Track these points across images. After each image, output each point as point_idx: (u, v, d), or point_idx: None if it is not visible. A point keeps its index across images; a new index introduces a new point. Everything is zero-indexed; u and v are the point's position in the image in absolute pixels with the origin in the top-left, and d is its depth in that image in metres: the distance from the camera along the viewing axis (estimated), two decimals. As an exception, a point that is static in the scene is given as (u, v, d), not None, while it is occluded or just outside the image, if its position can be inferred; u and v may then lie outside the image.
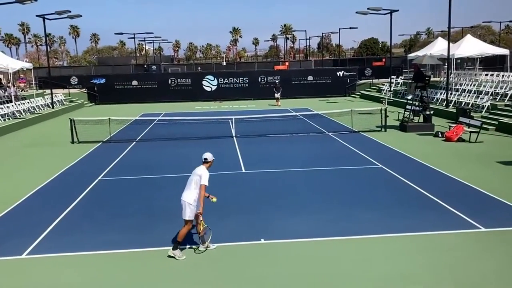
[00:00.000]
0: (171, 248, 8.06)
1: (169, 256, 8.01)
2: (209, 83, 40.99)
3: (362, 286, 6.91)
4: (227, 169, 14.43)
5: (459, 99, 26.13)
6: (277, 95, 34.48)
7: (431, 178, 12.91)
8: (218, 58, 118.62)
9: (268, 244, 8.56)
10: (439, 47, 33.64)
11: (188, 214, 7.97)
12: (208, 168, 8.22)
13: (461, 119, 20.67)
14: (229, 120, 22.83)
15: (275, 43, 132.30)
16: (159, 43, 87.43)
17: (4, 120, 25.60)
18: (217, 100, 39.75)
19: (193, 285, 7.12)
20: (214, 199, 8.36)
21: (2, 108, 26.41)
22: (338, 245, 8.47)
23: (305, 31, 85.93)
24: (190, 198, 7.97)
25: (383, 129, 21.22)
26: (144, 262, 7.95)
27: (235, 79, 41.27)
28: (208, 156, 8.32)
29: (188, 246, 8.42)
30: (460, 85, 28.84)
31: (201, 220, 8.11)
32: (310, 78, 41.58)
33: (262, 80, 41.01)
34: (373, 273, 7.29)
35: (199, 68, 53.94)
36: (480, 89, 26.24)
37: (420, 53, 35.99)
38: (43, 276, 7.51)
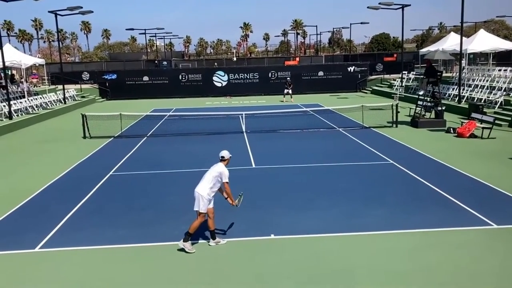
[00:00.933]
0: (181, 240, 8.12)
1: (179, 250, 8.08)
2: (220, 79, 41.06)
3: (373, 281, 6.90)
4: (237, 164, 14.42)
5: (471, 94, 25.87)
6: (289, 91, 34.29)
7: (443, 175, 12.82)
8: (229, 53, 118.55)
9: (279, 240, 8.58)
10: (451, 42, 33.26)
11: (201, 206, 8.04)
12: (226, 165, 8.38)
13: (474, 115, 20.46)
14: (240, 116, 22.85)
15: (286, 39, 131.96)
16: (170, 38, 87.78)
17: (17, 115, 25.89)
18: (227, 96, 39.81)
19: (202, 280, 7.16)
20: (235, 202, 8.54)
21: (15, 104, 26.71)
22: (349, 240, 8.46)
23: (316, 26, 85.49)
24: (204, 191, 8.06)
25: (394, 125, 21.09)
26: (154, 257, 8.01)
27: (245, 74, 41.28)
28: (225, 154, 8.49)
29: (198, 241, 8.46)
30: (473, 80, 28.54)
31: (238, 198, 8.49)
32: (320, 73, 41.45)
33: (273, 76, 40.97)
34: (384, 269, 7.27)
35: (215, 63, 53.81)
36: (493, 85, 25.94)
37: (432, 48, 35.64)
38: (55, 270, 7.61)
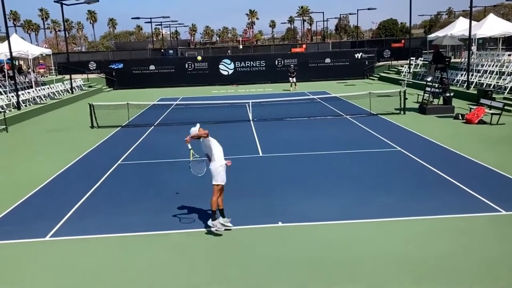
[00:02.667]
0: (210, 220, 8.25)
1: (208, 231, 8.28)
2: (226, 67, 40.94)
3: (382, 268, 6.91)
4: (244, 153, 14.47)
5: (480, 80, 25.60)
6: (293, 79, 34.05)
7: (451, 161, 12.75)
8: (235, 41, 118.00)
9: (286, 227, 8.61)
10: (460, 27, 32.84)
11: (214, 178, 8.15)
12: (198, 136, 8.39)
13: (482, 100, 20.27)
14: (246, 104, 22.81)
15: (292, 26, 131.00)
16: (176, 27, 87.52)
17: (25, 105, 26.04)
18: (234, 84, 39.72)
19: (210, 267, 7.21)
20: (229, 164, 8.44)
21: (23, 94, 26.84)
22: (357, 228, 8.46)
23: (323, 12, 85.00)
24: (210, 164, 8.22)
25: (402, 112, 20.97)
26: (163, 245, 8.08)
27: (252, 62, 41.11)
28: (194, 129, 8.45)
29: (205, 230, 8.51)
30: (482, 66, 28.21)
31: (190, 149, 8.45)
32: (327, 60, 41.18)
33: (279, 63, 40.76)
34: (394, 256, 7.28)
35: (229, 51, 53.41)
36: (503, 70, 25.60)
37: (440, 33, 35.21)
38: (66, 258, 7.69)
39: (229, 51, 53.32)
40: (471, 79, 25.60)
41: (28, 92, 27.85)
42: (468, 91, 24.52)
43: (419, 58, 38.68)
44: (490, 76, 25.41)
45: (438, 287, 6.30)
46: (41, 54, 36.80)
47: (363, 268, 6.97)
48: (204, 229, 8.50)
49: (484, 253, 7.29)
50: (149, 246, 8.06)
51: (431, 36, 37.49)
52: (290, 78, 33.89)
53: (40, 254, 7.90)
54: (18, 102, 24.89)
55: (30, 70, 34.75)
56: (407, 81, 31.98)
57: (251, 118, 20.78)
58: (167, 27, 78.30)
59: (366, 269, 6.94)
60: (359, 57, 41.23)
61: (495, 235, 7.93)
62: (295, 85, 33.80)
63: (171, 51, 54.19)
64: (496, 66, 26.79)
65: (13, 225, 9.20)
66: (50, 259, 7.69)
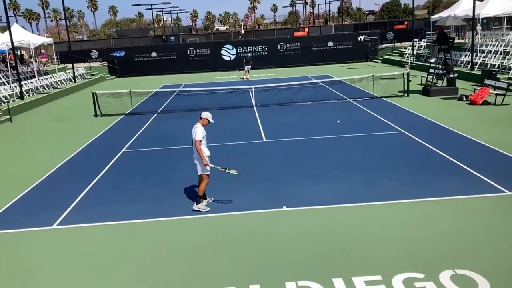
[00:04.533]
0: (194, 203, 8.76)
1: (194, 210, 8.69)
2: (228, 53, 40.74)
3: (388, 250, 6.95)
4: (248, 138, 14.48)
5: (484, 60, 25.37)
6: (247, 68, 32.84)
7: (455, 143, 12.72)
8: (236, 26, 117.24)
9: (291, 211, 8.65)
10: (464, 7, 32.37)
11: (200, 169, 8.59)
12: (203, 124, 8.61)
13: (487, 81, 20.13)
14: (249, 90, 22.75)
15: (294, 9, 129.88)
16: (177, 13, 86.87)
17: (29, 95, 26.07)
18: (236, 70, 39.57)
19: (214, 253, 7.27)
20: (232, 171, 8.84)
21: (26, 84, 26.87)
22: (362, 211, 8.49)
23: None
24: (195, 155, 8.54)
25: (405, 94, 20.87)
26: (168, 231, 8.14)
27: (254, 47, 40.87)
28: (204, 113, 8.72)
29: (209, 214, 8.58)
30: (486, 46, 27.91)
31: (218, 168, 8.68)
32: (330, 44, 40.90)
33: (282, 48, 40.51)
34: (399, 238, 7.31)
35: (240, 36, 53.01)
36: (507, 50, 25.35)
37: (444, 14, 34.78)
38: (73, 246, 7.77)
39: (240, 36, 52.74)
40: (475, 59, 25.37)
41: (31, 82, 27.87)
42: (472, 72, 24.32)
43: (423, 40, 38.29)
44: (495, 57, 25.17)
45: (444, 268, 6.33)
46: (43, 44, 36.71)
47: (369, 250, 7.01)
48: (209, 215, 8.56)
49: (489, 234, 7.31)
50: (156, 233, 8.13)
51: (435, 17, 37.05)
52: (246, 67, 32.91)
53: (47, 243, 7.98)
54: (21, 92, 24.93)
55: (32, 59, 34.71)
56: (410, 63, 31.73)
57: (254, 104, 20.74)
58: (168, 13, 77.74)
59: (371, 251, 6.97)
60: (362, 40, 40.90)
61: (499, 216, 7.94)
62: (248, 72, 32.85)
63: (172, 38, 53.89)
64: (501, 46, 26.50)
65: (20, 214, 9.29)
66: (57, 247, 7.77)
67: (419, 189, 9.33)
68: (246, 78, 32.44)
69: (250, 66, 33.09)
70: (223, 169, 8.77)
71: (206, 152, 8.55)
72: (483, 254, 6.70)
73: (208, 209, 8.69)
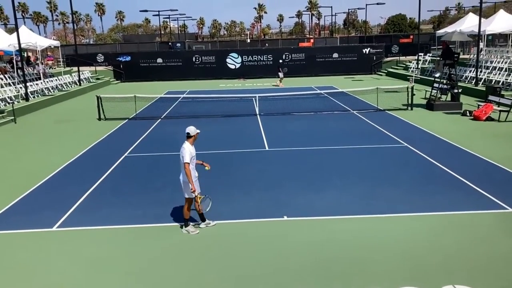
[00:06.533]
0: (183, 226, 8.26)
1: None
2: (233, 61, 40.88)
3: (389, 264, 6.92)
4: (250, 147, 14.49)
5: (489, 77, 25.40)
6: (281, 74, 33.48)
7: (458, 158, 12.70)
8: (242, 35, 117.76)
9: (291, 221, 8.63)
10: (469, 23, 32.53)
11: (185, 192, 8.05)
12: (192, 143, 8.02)
13: (491, 97, 20.13)
14: (253, 98, 22.80)
15: (300, 20, 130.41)
16: (184, 20, 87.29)
17: (34, 97, 26.18)
18: (241, 78, 39.68)
19: (215, 259, 7.26)
20: (207, 167, 8.31)
21: (31, 85, 27.00)
22: (363, 223, 8.47)
23: (331, 7, 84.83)
24: (182, 177, 8.03)
25: (409, 108, 20.88)
26: (170, 236, 8.13)
27: (259, 56, 41.02)
28: (190, 130, 8.01)
29: (210, 222, 8.55)
30: (491, 62, 27.97)
31: (196, 196, 7.96)
32: (335, 55, 41.01)
33: (287, 58, 40.64)
34: (400, 251, 7.28)
35: (263, 43, 53.11)
36: (512, 67, 25.41)
37: (449, 29, 34.94)
38: (72, 249, 7.76)
39: (264, 42, 52.91)
40: (479, 75, 25.41)
41: (37, 84, 28.01)
42: (476, 87, 24.35)
43: (428, 54, 38.40)
44: (499, 73, 25.20)
45: (444, 283, 6.29)
46: (50, 46, 36.92)
47: (370, 262, 6.98)
48: (210, 221, 8.54)
49: (490, 250, 7.27)
50: (155, 237, 8.11)
51: (440, 32, 37.20)
52: (279, 74, 33.48)
53: (47, 245, 7.98)
54: (26, 94, 25.04)
55: (38, 61, 34.91)
56: (415, 77, 31.74)
57: (257, 112, 20.77)
58: (175, 20, 78.20)
59: (372, 263, 6.94)
60: (367, 52, 41.01)
61: (501, 232, 7.90)
62: (281, 81, 33.30)
63: (178, 44, 54.19)
64: (506, 63, 26.56)
65: (21, 215, 9.30)
66: (57, 250, 7.76)
67: (421, 203, 9.30)
68: (278, 85, 32.87)
69: (282, 74, 33.38)
70: (202, 196, 8.19)
71: (194, 173, 7.98)
72: (483, 270, 6.66)
73: (198, 231, 8.17)
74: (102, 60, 42.32)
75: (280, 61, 38.18)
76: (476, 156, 12.74)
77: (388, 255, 7.18)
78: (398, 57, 42.33)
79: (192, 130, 8.02)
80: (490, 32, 30.09)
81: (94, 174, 11.91)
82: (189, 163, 7.76)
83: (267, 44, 52.78)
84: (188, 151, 7.83)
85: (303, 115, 20.27)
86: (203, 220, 8.42)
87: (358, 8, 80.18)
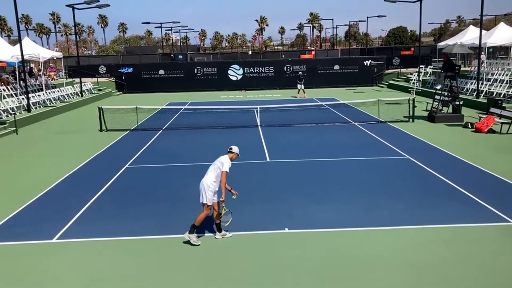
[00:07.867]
0: (187, 232, 8.14)
1: (185, 242, 8.14)
2: (235, 73, 41.03)
3: (390, 276, 6.86)
4: (251, 158, 14.47)
5: (490, 89, 25.43)
6: (301, 85, 33.83)
7: (460, 170, 12.66)
8: (244, 47, 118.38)
9: (293, 234, 8.58)
10: (470, 35, 32.73)
11: (206, 198, 8.04)
12: (232, 159, 8.32)
13: (492, 109, 20.13)
14: (254, 110, 22.84)
15: (302, 32, 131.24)
16: (186, 32, 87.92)
17: (36, 108, 26.26)
18: (242, 90, 39.79)
19: (215, 271, 7.20)
20: (234, 196, 8.40)
21: (33, 96, 27.09)
22: (364, 235, 8.42)
23: (332, 19, 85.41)
24: (209, 181, 8.05)
25: (410, 120, 20.88)
26: (170, 248, 8.08)
27: (260, 68, 41.18)
28: (234, 148, 8.46)
29: (212, 234, 8.50)
30: (492, 74, 28.04)
31: (223, 206, 8.24)
32: (336, 67, 41.13)
33: (288, 70, 40.78)
34: (402, 264, 7.23)
35: (250, 52, 53.22)
36: (513, 79, 25.43)
37: (450, 41, 35.13)
38: (72, 261, 7.72)
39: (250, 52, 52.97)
40: (481, 87, 25.45)
41: (39, 95, 28.11)
42: (478, 99, 24.37)
43: (429, 66, 38.51)
44: (501, 85, 25.24)
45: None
46: (52, 57, 37.13)
47: (371, 274, 6.92)
48: (211, 234, 8.49)
49: (492, 263, 7.21)
50: (155, 249, 8.06)
51: (441, 44, 37.41)
52: (298, 85, 33.62)
53: (47, 256, 7.93)
54: (28, 105, 25.12)
55: (40, 73, 35.08)
56: (416, 89, 31.82)
57: (259, 124, 20.79)
58: (177, 32, 78.72)
59: (373, 277, 6.89)
60: (368, 64, 41.14)
61: (503, 245, 7.85)
62: (304, 92, 33.53)
63: (180, 56, 54.48)
64: (507, 75, 26.61)
65: (21, 226, 9.26)
66: (57, 262, 7.71)
67: (422, 215, 9.25)
68: (297, 97, 32.70)
69: (302, 85, 33.22)
70: (227, 210, 8.37)
71: (216, 186, 8.16)
72: (485, 283, 6.60)
73: (200, 243, 8.07)
74: (104, 71, 42.52)
75: (300, 72, 38.04)
76: (478, 169, 12.69)
77: (390, 268, 7.12)
78: (399, 69, 42.45)
79: (236, 149, 8.48)
80: (491, 45, 30.23)
81: (94, 185, 11.89)
82: (227, 172, 8.08)
83: (250, 52, 52.45)
84: (229, 162, 8.19)
85: (305, 127, 20.27)
86: (219, 230, 8.40)
87: (359, 21, 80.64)
